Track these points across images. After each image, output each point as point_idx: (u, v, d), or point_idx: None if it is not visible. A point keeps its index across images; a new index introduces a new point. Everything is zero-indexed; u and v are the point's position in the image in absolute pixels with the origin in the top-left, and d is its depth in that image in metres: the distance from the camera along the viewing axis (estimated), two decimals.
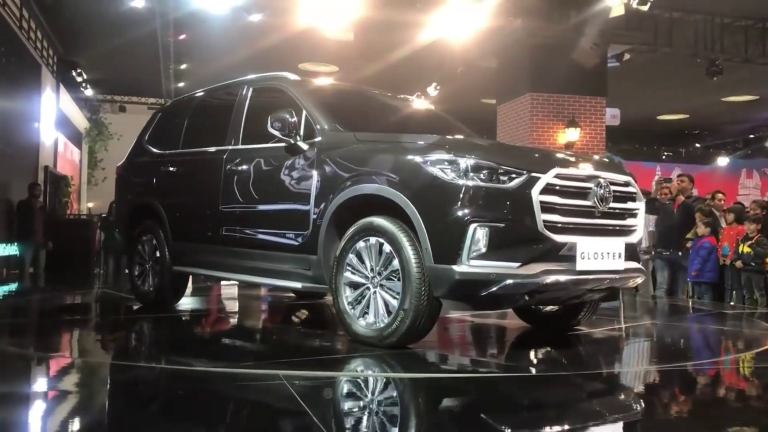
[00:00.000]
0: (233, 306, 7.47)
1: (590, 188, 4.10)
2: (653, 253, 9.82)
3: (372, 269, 4.18)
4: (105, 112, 19.36)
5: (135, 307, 6.40)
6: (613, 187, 4.23)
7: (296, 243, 4.67)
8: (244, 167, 5.18)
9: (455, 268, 3.76)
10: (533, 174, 3.89)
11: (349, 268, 4.26)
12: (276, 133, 4.68)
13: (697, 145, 24.50)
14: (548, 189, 3.92)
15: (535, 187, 3.87)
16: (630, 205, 4.40)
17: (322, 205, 4.47)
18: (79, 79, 16.10)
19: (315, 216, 4.52)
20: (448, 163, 3.89)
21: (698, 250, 8.92)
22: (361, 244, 4.20)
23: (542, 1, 12.19)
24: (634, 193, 4.43)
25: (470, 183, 3.82)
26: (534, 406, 3.17)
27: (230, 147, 5.37)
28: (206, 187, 5.52)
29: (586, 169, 4.21)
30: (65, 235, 13.16)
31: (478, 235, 3.76)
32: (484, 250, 3.76)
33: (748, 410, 3.25)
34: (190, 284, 6.95)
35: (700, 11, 13.06)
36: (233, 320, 6.39)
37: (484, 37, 12.51)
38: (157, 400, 3.18)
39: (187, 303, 6.80)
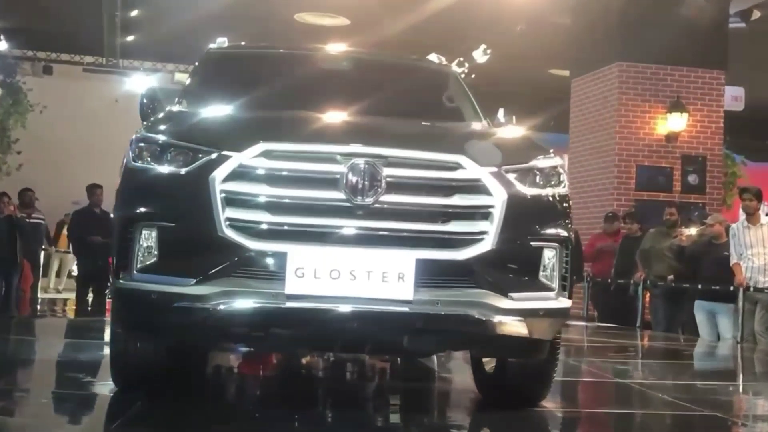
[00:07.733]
0: None
1: (336, 172, 3.06)
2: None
3: None
4: (24, 74, 17.12)
5: None
6: (409, 171, 3.12)
7: None
8: None
9: (117, 283, 3.25)
10: (224, 152, 3.08)
11: None
12: None
13: None
14: (243, 173, 3.06)
15: (217, 171, 3.04)
16: (458, 200, 3.15)
17: None
18: None
19: None
20: (133, 140, 3.37)
21: None
22: None
23: None
24: (474, 181, 3.15)
25: (139, 166, 3.25)
26: None
27: None
28: None
29: (342, 141, 3.20)
30: None
31: (145, 238, 3.15)
32: (155, 259, 3.13)
33: None
34: None
35: None
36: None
37: None
38: None
39: None
